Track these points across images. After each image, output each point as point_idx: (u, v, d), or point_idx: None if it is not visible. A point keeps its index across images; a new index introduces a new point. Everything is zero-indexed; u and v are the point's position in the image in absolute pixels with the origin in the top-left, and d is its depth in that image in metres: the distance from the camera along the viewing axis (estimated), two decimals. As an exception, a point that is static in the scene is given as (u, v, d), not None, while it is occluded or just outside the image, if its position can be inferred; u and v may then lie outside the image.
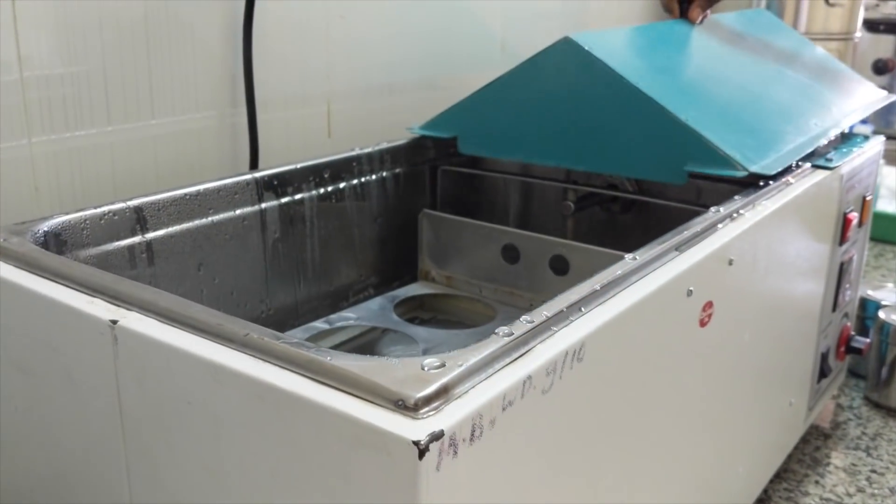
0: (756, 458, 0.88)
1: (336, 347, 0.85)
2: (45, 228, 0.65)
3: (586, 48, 0.86)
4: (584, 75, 0.86)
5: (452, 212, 1.01)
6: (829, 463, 1.03)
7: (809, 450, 1.05)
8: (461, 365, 0.43)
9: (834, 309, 1.01)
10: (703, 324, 0.65)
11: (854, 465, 1.02)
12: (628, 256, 0.60)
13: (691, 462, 0.70)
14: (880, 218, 1.68)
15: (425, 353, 0.81)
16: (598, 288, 0.54)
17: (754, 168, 0.79)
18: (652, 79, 0.85)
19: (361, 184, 0.92)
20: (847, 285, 1.03)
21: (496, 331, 0.47)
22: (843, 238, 0.95)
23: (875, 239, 1.75)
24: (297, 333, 0.83)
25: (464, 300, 0.95)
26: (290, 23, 1.02)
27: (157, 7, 0.89)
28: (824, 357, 1.01)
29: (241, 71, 0.97)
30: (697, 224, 0.68)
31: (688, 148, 0.81)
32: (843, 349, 1.07)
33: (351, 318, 0.88)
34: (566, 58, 0.87)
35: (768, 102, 0.97)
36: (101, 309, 0.52)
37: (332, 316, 0.88)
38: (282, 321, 0.84)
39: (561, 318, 0.50)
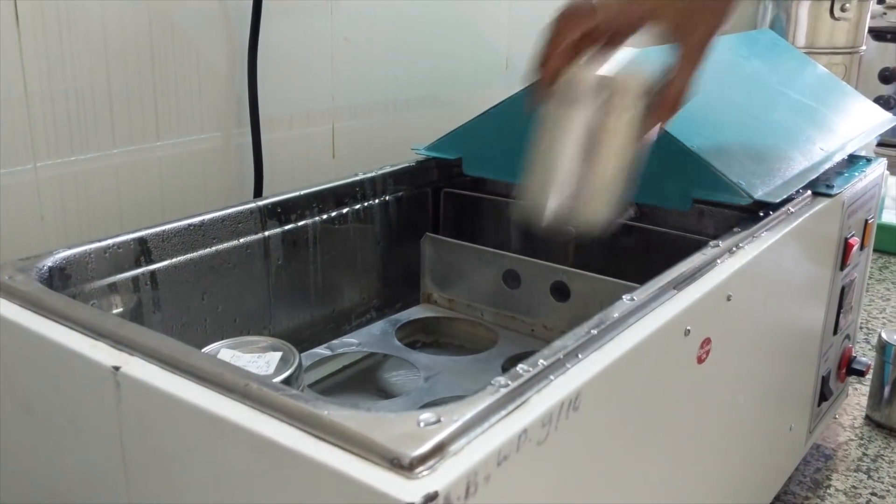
0: (756, 483, 0.89)
1: (337, 374, 0.86)
2: (50, 264, 0.66)
3: (589, 75, 0.86)
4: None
5: (455, 234, 1.01)
6: (829, 485, 1.03)
7: (810, 471, 1.05)
8: (457, 420, 0.44)
9: (835, 332, 1.01)
10: (700, 360, 0.66)
11: (854, 487, 1.02)
12: (626, 297, 0.60)
13: (690, 495, 0.71)
14: (885, 230, 1.68)
15: (426, 380, 0.82)
16: (595, 332, 0.55)
17: (759, 196, 0.79)
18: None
19: (364, 208, 0.92)
20: (849, 307, 1.04)
21: (492, 381, 0.48)
22: (843, 263, 0.95)
23: (879, 251, 1.75)
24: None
25: (465, 324, 0.95)
26: (294, 44, 1.03)
27: (162, 28, 0.89)
28: (825, 380, 1.01)
29: (246, 91, 0.97)
30: (696, 259, 0.68)
31: (694, 175, 0.81)
32: (844, 371, 1.07)
33: (353, 343, 0.89)
34: (569, 83, 0.88)
35: (773, 127, 0.97)
36: (104, 354, 0.52)
37: (335, 341, 0.89)
38: (285, 347, 0.85)
39: (557, 365, 0.51)
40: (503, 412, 0.46)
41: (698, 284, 0.65)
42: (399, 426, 0.43)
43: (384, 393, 0.84)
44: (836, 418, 1.18)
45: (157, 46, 0.90)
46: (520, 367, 0.49)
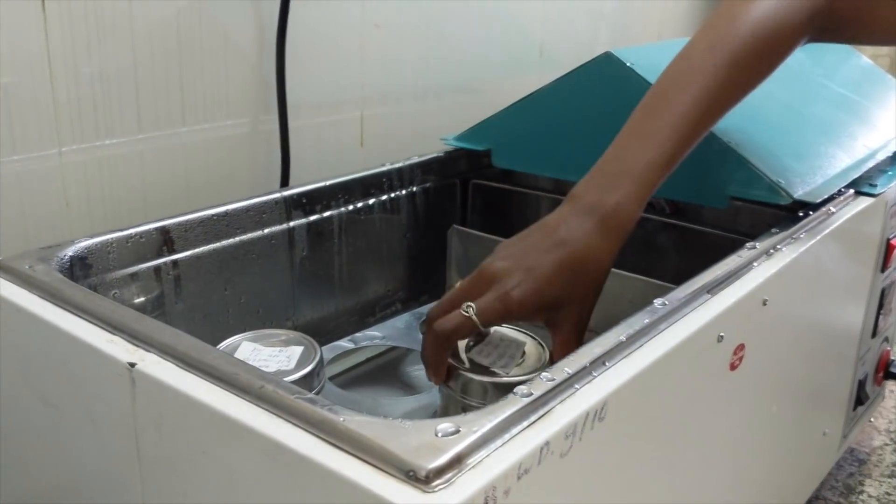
0: (786, 489, 0.86)
1: (360, 366, 0.85)
2: (71, 253, 0.65)
3: (628, 64, 0.83)
4: (625, 92, 0.84)
5: (482, 226, 0.99)
6: (862, 491, 1.00)
7: (843, 476, 1.03)
8: (476, 431, 0.42)
9: (874, 335, 0.98)
10: (733, 367, 0.63)
11: (889, 493, 1.00)
12: (657, 302, 0.58)
13: (720, 502, 0.69)
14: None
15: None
16: (624, 339, 0.53)
17: (799, 195, 0.76)
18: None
19: (391, 199, 0.91)
20: (889, 309, 1.00)
21: (514, 390, 0.46)
22: (885, 264, 0.92)
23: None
24: (324, 351, 0.82)
25: (492, 318, 0.93)
26: (324, 30, 1.01)
27: (190, 11, 0.88)
28: (861, 384, 0.98)
29: (273, 76, 0.96)
30: (731, 262, 0.66)
31: (731, 172, 0.79)
32: (881, 374, 1.04)
33: (377, 336, 0.87)
34: (607, 73, 0.85)
35: (814, 122, 0.94)
36: (120, 349, 0.51)
37: (358, 334, 0.87)
38: (308, 338, 0.84)
39: (583, 374, 0.49)
40: (525, 423, 0.44)
41: (733, 289, 0.63)
42: (416, 436, 0.42)
43: (407, 387, 0.83)
44: (871, 421, 1.15)
45: (184, 30, 0.88)
46: (543, 375, 0.48)
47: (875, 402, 1.08)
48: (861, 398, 0.98)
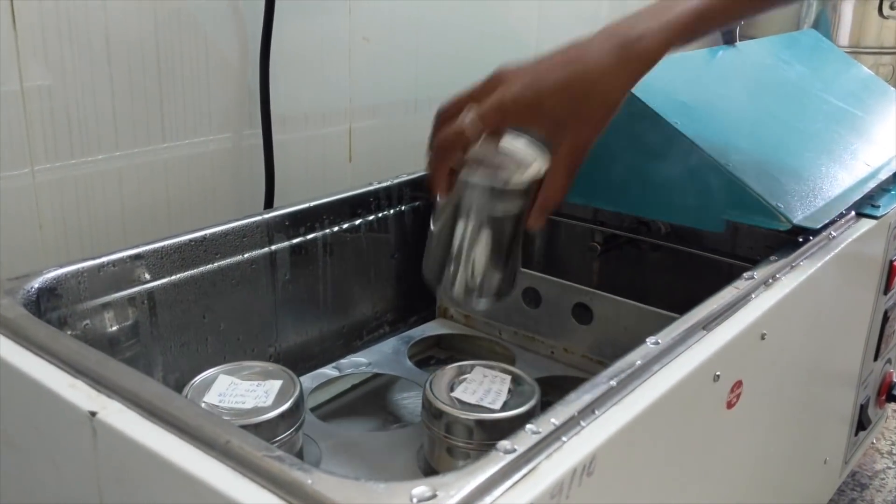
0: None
1: (345, 394, 0.82)
2: (38, 285, 0.62)
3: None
4: (621, 112, 0.81)
5: (474, 245, 0.96)
6: (864, 518, 0.98)
7: (844, 502, 1.00)
8: (454, 496, 0.39)
9: (876, 357, 0.95)
10: (730, 405, 0.61)
11: (892, 521, 0.97)
12: (650, 341, 0.55)
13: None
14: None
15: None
16: (615, 384, 0.50)
17: (798, 220, 0.74)
18: (692, 117, 0.80)
19: (378, 219, 0.88)
20: (892, 331, 0.98)
21: (497, 446, 0.43)
22: (888, 287, 0.89)
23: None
24: (306, 381, 0.80)
25: (482, 341, 0.91)
26: (310, 42, 0.99)
27: (169, 22, 0.85)
28: (863, 408, 0.95)
29: (257, 89, 0.93)
30: (728, 294, 0.63)
31: (727, 195, 0.76)
32: (884, 397, 1.01)
33: (362, 362, 0.85)
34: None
35: (814, 139, 0.91)
36: (82, 395, 0.49)
37: (343, 361, 0.85)
38: (291, 365, 0.81)
39: (571, 424, 0.46)
40: (508, 483, 0.42)
41: (730, 323, 0.60)
42: (389, 500, 0.39)
43: (392, 417, 0.80)
44: (873, 443, 1.12)
45: (164, 41, 0.85)
46: (528, 427, 0.45)
47: (877, 425, 1.05)
48: (863, 422, 0.96)
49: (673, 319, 0.75)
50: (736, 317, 0.61)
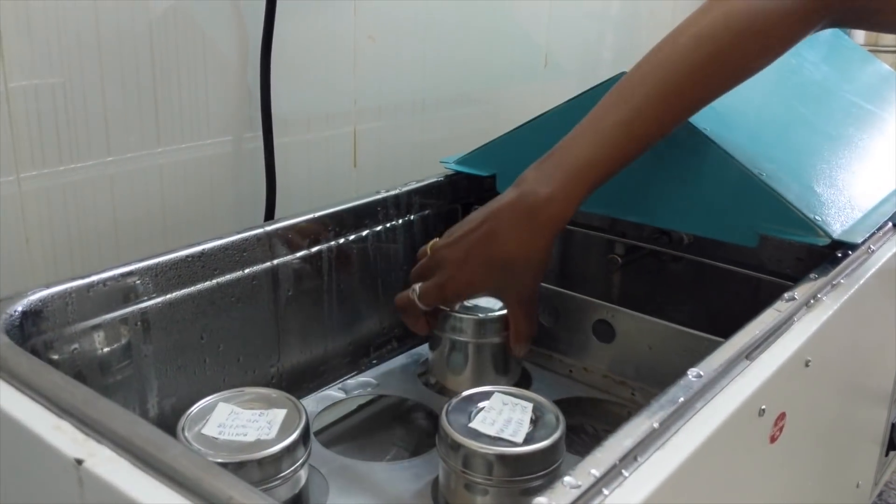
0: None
1: (352, 415, 0.78)
2: (22, 308, 0.57)
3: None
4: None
5: (486, 256, 0.92)
6: (894, 541, 0.93)
7: (872, 523, 0.96)
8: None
9: (908, 374, 0.90)
10: (773, 440, 0.56)
11: (922, 544, 0.92)
12: (692, 374, 0.50)
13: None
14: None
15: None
16: (657, 426, 0.45)
17: (838, 235, 0.69)
18: (721, 122, 0.75)
19: (386, 229, 0.83)
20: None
21: (533, 503, 0.39)
22: (923, 301, 0.85)
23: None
24: (310, 405, 0.75)
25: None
26: (313, 41, 0.94)
27: (164, 19, 0.80)
28: (894, 427, 0.91)
29: (258, 90, 0.88)
30: (769, 318, 0.58)
31: (762, 207, 0.71)
32: (914, 414, 0.97)
33: (370, 382, 0.80)
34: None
35: (847, 146, 0.86)
36: (67, 440, 0.44)
37: (350, 381, 0.80)
38: (295, 386, 0.77)
39: (613, 475, 0.42)
40: (545, 550, 0.37)
41: (774, 351, 0.55)
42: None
43: (403, 442, 0.75)
44: (898, 460, 1.08)
45: (158, 39, 0.80)
46: (567, 480, 0.40)
47: (906, 442, 1.00)
48: (894, 442, 0.91)
49: (701, 339, 0.72)
50: (779, 343, 0.56)
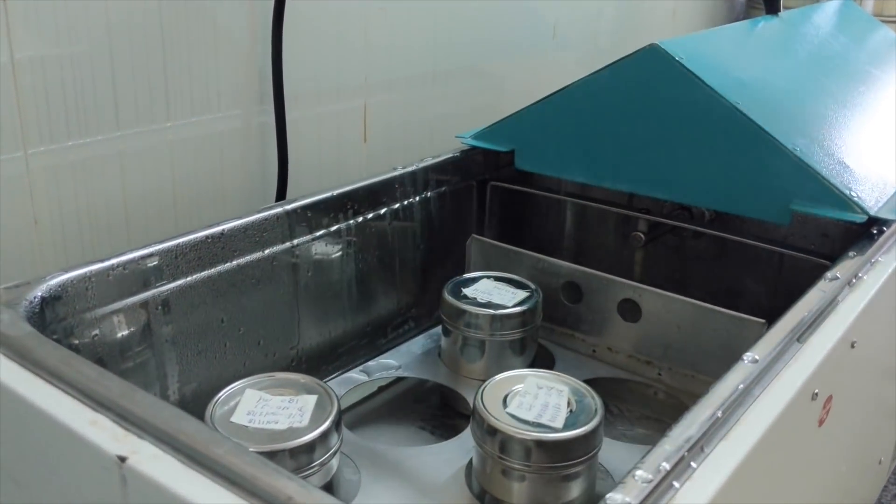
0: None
1: (371, 398, 0.76)
2: (42, 293, 0.55)
3: (677, 58, 0.74)
4: (673, 90, 0.74)
5: (501, 233, 0.90)
6: (910, 516, 0.93)
7: (887, 498, 0.96)
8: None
9: (926, 349, 0.90)
10: (821, 423, 0.55)
11: (938, 519, 0.92)
12: (747, 358, 0.49)
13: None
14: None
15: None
16: (720, 415, 0.44)
17: (875, 212, 0.67)
18: (751, 97, 0.73)
19: (403, 207, 0.81)
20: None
21: (607, 500, 0.37)
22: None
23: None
24: (334, 386, 0.73)
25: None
26: (325, 11, 0.90)
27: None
28: (913, 402, 0.90)
29: (268, 65, 0.85)
30: (814, 298, 0.57)
31: (795, 183, 0.69)
32: (929, 388, 0.96)
33: (392, 364, 0.78)
34: (652, 69, 0.75)
35: (873, 119, 0.85)
36: (106, 436, 0.42)
37: (371, 363, 0.78)
38: (314, 369, 0.75)
39: (682, 467, 0.40)
40: (626, 548, 0.35)
41: (823, 333, 0.54)
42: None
43: (427, 425, 0.74)
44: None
45: (168, 11, 0.77)
46: (638, 474, 0.39)
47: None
48: (911, 418, 0.91)
49: (733, 318, 0.70)
50: (826, 325, 0.55)
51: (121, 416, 0.43)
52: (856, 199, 0.67)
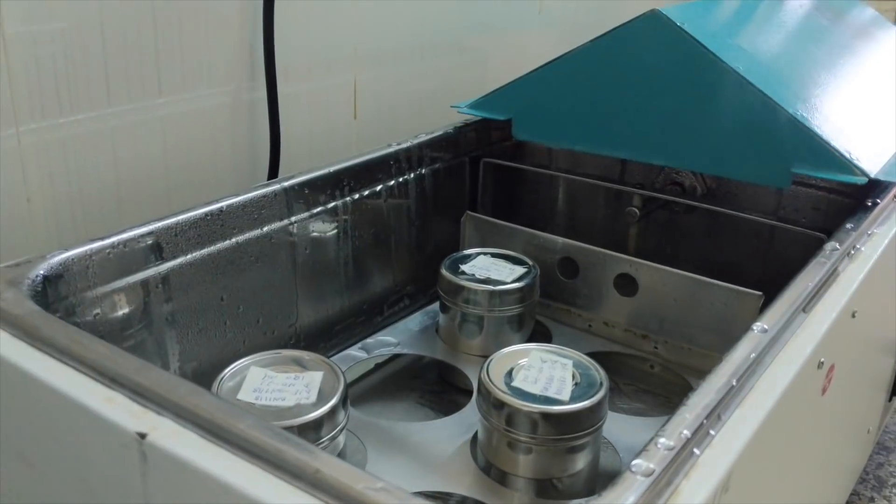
0: (831, 491, 0.80)
1: (370, 375, 0.76)
2: (44, 272, 0.54)
3: (678, 23, 0.73)
4: (673, 55, 0.74)
5: (494, 209, 0.90)
6: (894, 483, 0.95)
7: (872, 468, 0.98)
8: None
9: (911, 321, 0.92)
10: (824, 391, 0.56)
11: (922, 486, 0.95)
12: (757, 328, 0.49)
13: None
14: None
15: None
16: (735, 384, 0.44)
17: (876, 174, 0.68)
18: (750, 63, 0.73)
19: (399, 183, 0.80)
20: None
21: (631, 467, 0.37)
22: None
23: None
24: (333, 365, 0.73)
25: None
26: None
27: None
28: (897, 373, 0.92)
29: (259, 40, 0.84)
30: (817, 269, 0.57)
31: (796, 147, 0.69)
32: (912, 359, 0.98)
33: (390, 341, 0.78)
34: (652, 34, 0.75)
35: (869, 90, 0.86)
36: (123, 412, 0.41)
37: (370, 340, 0.78)
38: (313, 346, 0.74)
39: (701, 435, 0.41)
40: (653, 512, 0.36)
41: (826, 303, 0.55)
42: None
43: (427, 401, 0.74)
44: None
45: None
46: (661, 442, 0.39)
47: (903, 386, 1.02)
48: (896, 388, 0.93)
49: (730, 291, 0.71)
50: (829, 295, 0.56)
51: (137, 392, 0.42)
52: (856, 161, 0.68)
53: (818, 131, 0.68)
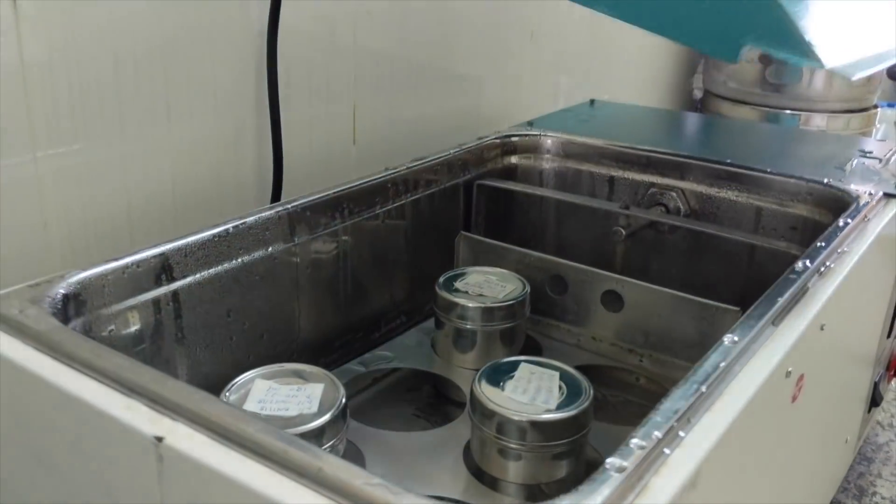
0: (811, 498, 0.83)
1: (368, 389, 0.79)
2: (63, 290, 0.58)
3: None
4: None
5: (487, 230, 0.94)
6: (875, 493, 0.98)
7: (853, 477, 1.01)
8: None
9: (889, 334, 0.95)
10: (794, 399, 0.59)
11: (902, 495, 0.98)
12: (727, 339, 0.53)
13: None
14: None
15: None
16: (705, 390, 0.48)
17: (834, 64, 0.61)
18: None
19: (395, 206, 0.84)
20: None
21: (606, 464, 0.41)
22: (907, 265, 0.89)
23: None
24: (333, 378, 0.76)
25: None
26: (318, 14, 0.94)
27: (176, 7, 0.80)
28: (876, 385, 0.96)
29: (263, 70, 0.88)
30: (787, 285, 0.61)
31: (752, 16, 0.61)
32: (892, 372, 1.02)
33: (388, 356, 0.81)
34: None
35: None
36: (142, 418, 0.45)
37: (367, 355, 0.81)
38: (314, 361, 0.77)
39: (671, 436, 0.44)
40: (624, 504, 0.39)
41: (795, 316, 0.59)
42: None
43: (423, 412, 0.77)
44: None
45: (168, 19, 0.80)
46: (633, 442, 0.43)
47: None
48: (876, 399, 0.96)
49: (710, 307, 0.75)
50: (798, 309, 0.60)
51: (154, 400, 0.46)
52: (815, 47, 0.60)
53: (785, 5, 0.59)
